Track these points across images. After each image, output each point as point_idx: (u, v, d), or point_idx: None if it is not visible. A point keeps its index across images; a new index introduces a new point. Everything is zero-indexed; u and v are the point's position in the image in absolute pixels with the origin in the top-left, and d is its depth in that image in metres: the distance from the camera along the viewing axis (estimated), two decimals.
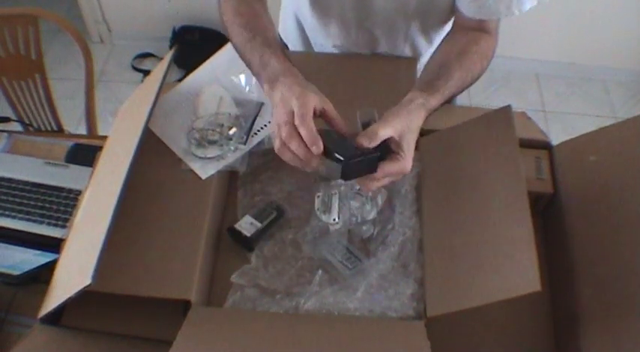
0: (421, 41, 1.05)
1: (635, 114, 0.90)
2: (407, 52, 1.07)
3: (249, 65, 0.84)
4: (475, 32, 0.90)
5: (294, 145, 0.70)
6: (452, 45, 0.90)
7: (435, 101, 0.80)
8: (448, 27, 1.03)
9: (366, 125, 0.77)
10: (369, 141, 0.71)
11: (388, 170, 0.73)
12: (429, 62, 0.90)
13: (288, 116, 0.71)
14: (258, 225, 0.88)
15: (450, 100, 1.24)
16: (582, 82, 2.52)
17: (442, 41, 0.94)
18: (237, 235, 0.88)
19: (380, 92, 1.00)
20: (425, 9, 0.96)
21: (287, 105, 0.72)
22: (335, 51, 1.10)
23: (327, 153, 0.71)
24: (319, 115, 0.74)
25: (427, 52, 1.08)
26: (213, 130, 0.92)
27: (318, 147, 0.69)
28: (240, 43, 0.85)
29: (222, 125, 0.93)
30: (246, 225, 0.88)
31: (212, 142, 0.92)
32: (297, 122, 0.70)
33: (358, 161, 0.71)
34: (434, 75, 0.84)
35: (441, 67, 0.85)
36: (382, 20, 0.99)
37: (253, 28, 0.85)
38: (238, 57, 0.88)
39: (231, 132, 0.93)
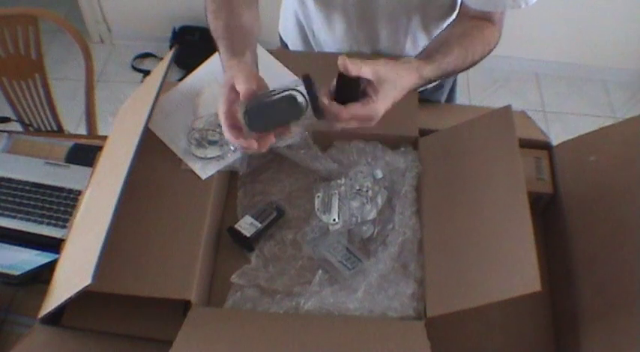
0: (422, 36, 1.05)
1: (635, 114, 0.90)
2: (407, 47, 1.07)
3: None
4: (480, 21, 0.90)
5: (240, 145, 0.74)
6: (455, 28, 0.91)
7: (429, 69, 0.80)
8: (449, 21, 1.03)
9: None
10: (350, 69, 0.71)
11: (356, 111, 0.73)
12: (430, 41, 0.91)
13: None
14: (258, 225, 0.88)
15: (451, 97, 1.24)
16: (582, 82, 2.52)
17: (446, 26, 0.94)
18: (237, 235, 0.87)
19: None
20: (427, 3, 0.97)
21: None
22: (335, 50, 1.10)
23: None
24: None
25: None
26: (213, 130, 0.92)
27: (250, 145, 0.73)
28: (212, 30, 0.86)
29: None
30: (246, 225, 0.88)
31: (212, 142, 0.92)
32: (223, 127, 0.74)
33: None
34: (433, 49, 0.85)
35: (442, 43, 0.87)
36: (384, 14, 0.99)
37: (219, 16, 0.85)
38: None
39: None
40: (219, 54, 0.83)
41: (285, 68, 1.00)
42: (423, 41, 1.06)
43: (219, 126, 0.93)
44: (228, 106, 0.74)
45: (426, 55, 0.84)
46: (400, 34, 1.04)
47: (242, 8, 0.87)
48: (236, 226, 0.88)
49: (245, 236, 0.87)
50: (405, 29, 1.02)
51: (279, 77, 0.99)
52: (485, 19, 0.90)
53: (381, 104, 0.73)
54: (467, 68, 0.89)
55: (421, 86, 0.81)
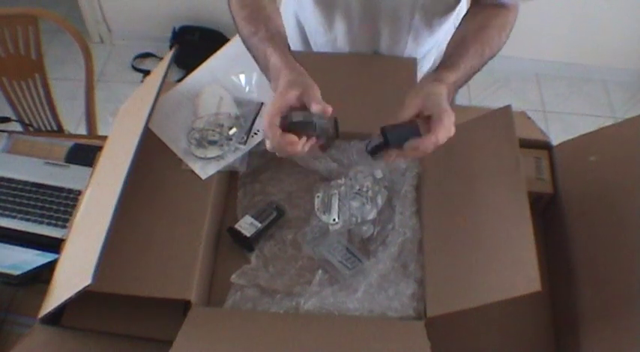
0: (423, 32, 1.05)
1: (635, 114, 0.90)
2: (409, 46, 1.07)
3: (255, 61, 0.85)
4: (494, 8, 0.90)
5: (283, 151, 0.72)
6: (469, 22, 0.91)
7: (452, 75, 0.81)
8: (451, 16, 1.03)
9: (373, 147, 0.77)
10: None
11: (416, 144, 0.73)
12: (447, 44, 0.91)
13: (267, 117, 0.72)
14: (258, 225, 0.88)
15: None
16: (582, 82, 2.51)
17: (461, 20, 0.94)
18: (237, 235, 0.87)
19: (380, 92, 1.00)
20: (432, 2, 0.97)
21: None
22: (334, 50, 1.10)
23: None
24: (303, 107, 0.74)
25: (427, 42, 1.08)
26: (213, 130, 0.92)
27: (292, 148, 0.70)
28: (246, 37, 0.86)
29: (222, 125, 0.93)
30: (246, 225, 0.88)
31: (212, 142, 0.92)
32: (264, 125, 0.71)
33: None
34: (450, 53, 0.86)
35: (458, 44, 0.87)
36: (387, 12, 0.99)
37: (256, 20, 0.85)
38: (238, 56, 0.88)
39: (231, 132, 0.93)
40: (266, 57, 0.81)
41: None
42: (424, 36, 1.06)
43: (220, 126, 0.93)
44: (270, 119, 0.71)
45: (443, 63, 0.83)
46: (402, 32, 1.03)
47: (273, 12, 0.87)
48: (236, 226, 0.88)
49: (245, 236, 0.87)
50: (408, 27, 1.02)
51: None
52: (501, 5, 0.90)
53: (439, 130, 0.72)
54: (488, 59, 0.88)
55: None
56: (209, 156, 0.91)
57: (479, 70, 0.87)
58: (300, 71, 0.78)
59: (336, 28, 1.05)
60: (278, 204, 0.92)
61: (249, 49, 0.86)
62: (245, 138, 0.92)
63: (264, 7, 0.87)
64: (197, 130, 0.93)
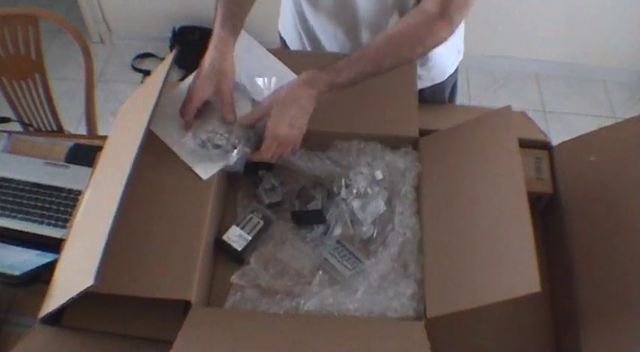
0: None
1: (635, 114, 0.90)
2: None
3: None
4: (425, 15, 0.89)
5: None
6: (395, 25, 0.91)
7: (331, 76, 0.85)
8: None
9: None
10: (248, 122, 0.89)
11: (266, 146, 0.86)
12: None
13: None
14: (248, 237, 0.87)
15: (451, 98, 1.24)
16: (582, 82, 2.51)
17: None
18: (226, 247, 0.87)
19: (379, 92, 1.00)
20: (402, 4, 0.97)
21: None
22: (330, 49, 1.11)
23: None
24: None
25: None
26: (221, 134, 0.91)
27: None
28: None
29: (231, 131, 0.92)
30: (235, 238, 0.87)
31: (215, 145, 0.91)
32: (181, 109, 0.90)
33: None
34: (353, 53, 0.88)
35: (366, 45, 0.89)
36: (365, 17, 1.00)
37: None
38: (238, 57, 0.88)
39: (238, 136, 0.91)
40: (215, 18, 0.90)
41: (274, 57, 1.01)
42: None
43: (228, 132, 0.92)
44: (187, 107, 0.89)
45: (330, 79, 0.86)
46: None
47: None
48: (224, 238, 0.87)
49: (235, 249, 0.86)
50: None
51: (267, 66, 1.00)
52: (438, 13, 0.88)
53: (274, 121, 0.85)
54: (389, 68, 0.88)
55: (327, 92, 0.86)
56: (210, 157, 0.90)
57: (373, 76, 0.88)
58: (222, 54, 0.89)
59: (326, 32, 1.06)
60: (264, 212, 0.90)
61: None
62: (251, 142, 0.91)
63: None
64: (204, 131, 0.91)
